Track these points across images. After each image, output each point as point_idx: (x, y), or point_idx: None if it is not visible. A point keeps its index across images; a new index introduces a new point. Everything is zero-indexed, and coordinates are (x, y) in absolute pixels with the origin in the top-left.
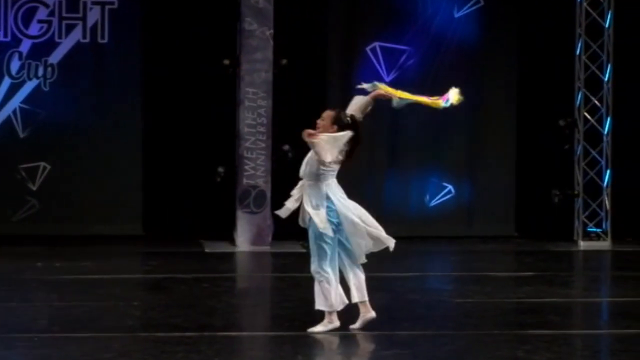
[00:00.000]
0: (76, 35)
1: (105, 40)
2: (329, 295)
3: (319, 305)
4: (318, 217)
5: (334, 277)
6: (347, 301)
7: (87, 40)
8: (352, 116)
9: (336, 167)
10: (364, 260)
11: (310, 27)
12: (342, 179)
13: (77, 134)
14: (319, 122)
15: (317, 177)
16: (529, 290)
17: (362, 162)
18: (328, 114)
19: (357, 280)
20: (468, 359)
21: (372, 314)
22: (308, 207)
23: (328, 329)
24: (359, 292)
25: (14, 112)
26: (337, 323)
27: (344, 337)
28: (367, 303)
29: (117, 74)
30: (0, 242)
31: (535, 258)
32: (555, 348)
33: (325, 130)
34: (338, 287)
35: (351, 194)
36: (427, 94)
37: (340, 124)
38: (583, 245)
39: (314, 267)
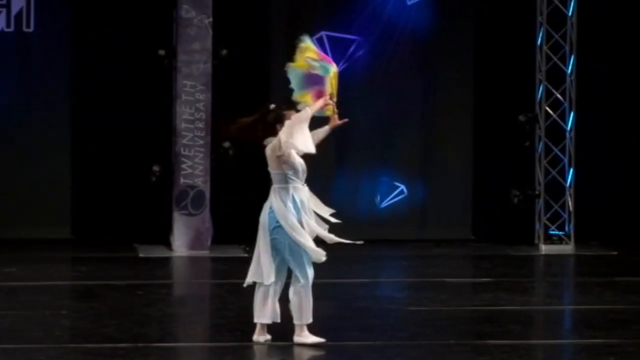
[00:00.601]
0: None
1: (31, 29)
2: None
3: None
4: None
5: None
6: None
7: (12, 29)
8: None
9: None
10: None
11: (252, 15)
12: None
13: (1, 129)
14: None
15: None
16: (486, 298)
17: (307, 160)
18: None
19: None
20: None
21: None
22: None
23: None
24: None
25: None
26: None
27: (287, 347)
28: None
29: (44, 65)
30: None
31: (493, 263)
32: (515, 359)
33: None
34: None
35: None
36: (378, 87)
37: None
38: (544, 249)
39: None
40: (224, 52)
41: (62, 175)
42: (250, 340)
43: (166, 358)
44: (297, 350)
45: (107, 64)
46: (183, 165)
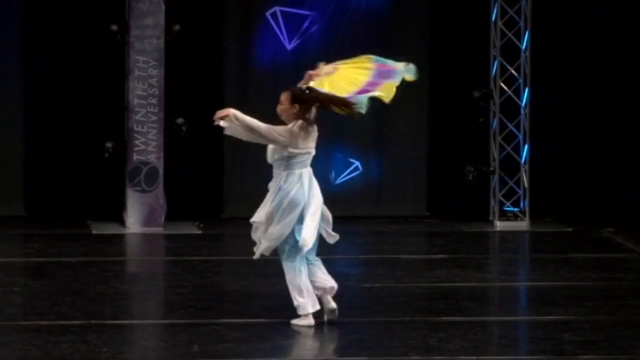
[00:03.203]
0: None
1: None
2: None
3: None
4: None
5: None
6: None
7: None
8: (308, 88)
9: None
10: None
11: None
12: (238, 159)
13: None
14: (279, 107)
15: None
16: (441, 274)
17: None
18: (285, 96)
19: None
20: (377, 348)
21: None
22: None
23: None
24: None
25: None
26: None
27: (240, 325)
28: None
29: None
30: None
31: (448, 239)
32: (470, 336)
33: (288, 113)
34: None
35: (249, 172)
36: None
37: (300, 101)
38: (499, 225)
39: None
40: (177, 27)
41: (14, 152)
42: (204, 317)
43: (120, 335)
44: (251, 328)
45: (58, 39)
46: (136, 142)
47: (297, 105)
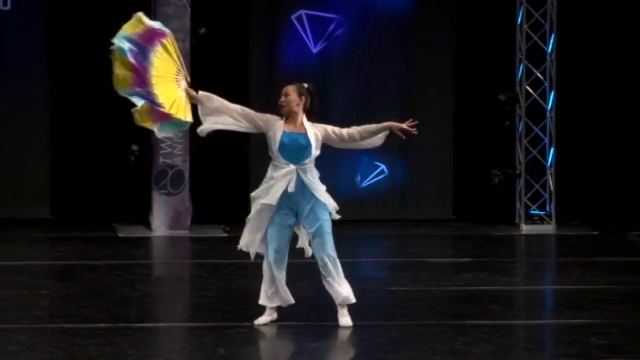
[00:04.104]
0: None
1: (8, 7)
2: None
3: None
4: (332, 200)
5: None
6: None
7: None
8: (309, 85)
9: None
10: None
11: None
12: (264, 161)
13: None
14: (284, 98)
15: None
16: (467, 278)
17: None
18: (292, 88)
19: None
20: (402, 351)
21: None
22: (322, 192)
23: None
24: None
25: None
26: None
27: (268, 328)
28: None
29: (21, 43)
30: None
31: (473, 243)
32: (496, 339)
33: (293, 103)
34: None
35: None
36: (357, 66)
37: (304, 94)
38: (525, 229)
39: (331, 252)
40: (203, 30)
41: (40, 155)
42: (230, 320)
43: (145, 338)
44: (278, 331)
45: (84, 43)
46: (162, 145)
47: (303, 97)
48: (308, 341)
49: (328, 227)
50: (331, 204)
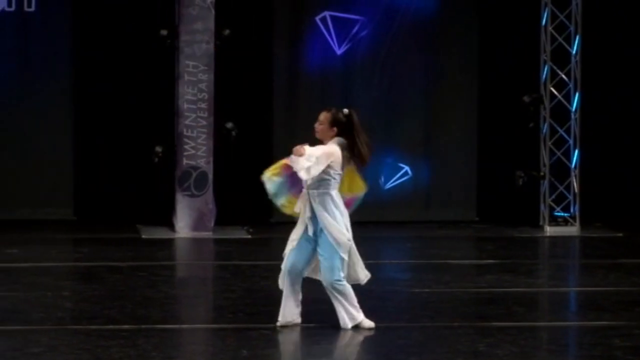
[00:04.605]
0: (1, 3)
1: (33, 9)
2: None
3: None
4: (336, 228)
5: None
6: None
7: (13, 8)
8: (349, 112)
9: (338, 178)
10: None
11: None
12: None
13: (1, 109)
14: (317, 126)
15: (321, 185)
16: (491, 280)
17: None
18: (325, 116)
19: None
20: (425, 353)
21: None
22: (325, 218)
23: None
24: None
25: None
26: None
27: (291, 330)
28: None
29: (46, 45)
30: None
31: (497, 245)
32: (520, 341)
33: (325, 134)
34: None
35: None
36: (381, 67)
37: (338, 124)
38: (549, 230)
39: (335, 277)
40: (227, 32)
41: (64, 156)
42: (253, 322)
43: (168, 340)
44: (301, 333)
45: (108, 44)
46: (186, 146)
47: (335, 128)
48: (330, 343)
49: (324, 252)
50: (335, 239)
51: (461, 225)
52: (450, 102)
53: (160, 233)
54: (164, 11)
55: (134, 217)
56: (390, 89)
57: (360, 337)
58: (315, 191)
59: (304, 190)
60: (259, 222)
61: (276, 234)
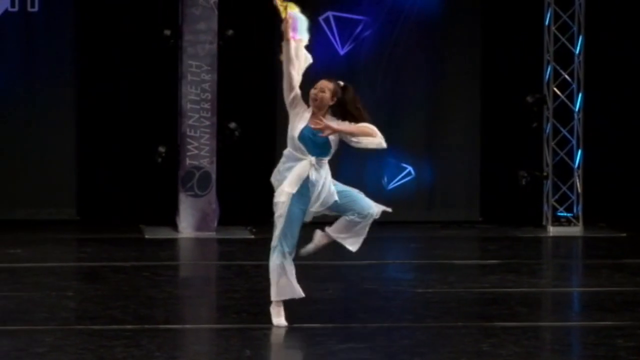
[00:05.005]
0: (4, 3)
1: (36, 9)
2: None
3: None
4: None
5: None
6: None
7: (16, 9)
8: (345, 85)
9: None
10: None
11: None
12: None
13: (4, 109)
14: (318, 93)
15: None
16: (494, 280)
17: None
18: (327, 85)
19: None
20: (428, 353)
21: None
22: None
23: None
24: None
25: None
26: None
27: (295, 330)
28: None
29: (49, 45)
30: None
31: (500, 245)
32: (523, 341)
33: (325, 103)
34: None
35: None
36: (384, 67)
37: (338, 97)
38: (552, 230)
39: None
40: (230, 32)
41: (67, 156)
42: (257, 322)
43: (172, 340)
44: (305, 333)
45: (111, 44)
46: (189, 146)
47: (335, 99)
48: (334, 343)
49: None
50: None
51: (464, 226)
52: (453, 102)
53: (163, 233)
54: (167, 11)
55: (137, 217)
56: (393, 89)
57: (364, 337)
58: (324, 159)
59: (309, 159)
60: (262, 222)
61: None
